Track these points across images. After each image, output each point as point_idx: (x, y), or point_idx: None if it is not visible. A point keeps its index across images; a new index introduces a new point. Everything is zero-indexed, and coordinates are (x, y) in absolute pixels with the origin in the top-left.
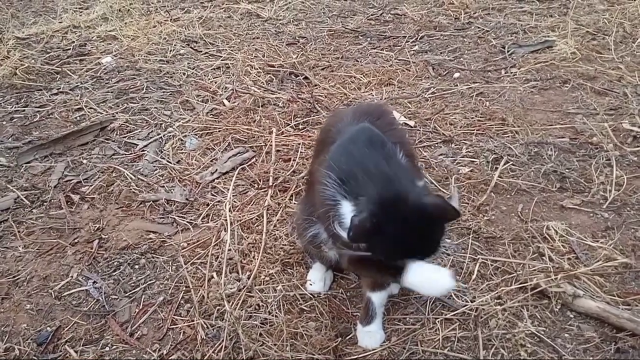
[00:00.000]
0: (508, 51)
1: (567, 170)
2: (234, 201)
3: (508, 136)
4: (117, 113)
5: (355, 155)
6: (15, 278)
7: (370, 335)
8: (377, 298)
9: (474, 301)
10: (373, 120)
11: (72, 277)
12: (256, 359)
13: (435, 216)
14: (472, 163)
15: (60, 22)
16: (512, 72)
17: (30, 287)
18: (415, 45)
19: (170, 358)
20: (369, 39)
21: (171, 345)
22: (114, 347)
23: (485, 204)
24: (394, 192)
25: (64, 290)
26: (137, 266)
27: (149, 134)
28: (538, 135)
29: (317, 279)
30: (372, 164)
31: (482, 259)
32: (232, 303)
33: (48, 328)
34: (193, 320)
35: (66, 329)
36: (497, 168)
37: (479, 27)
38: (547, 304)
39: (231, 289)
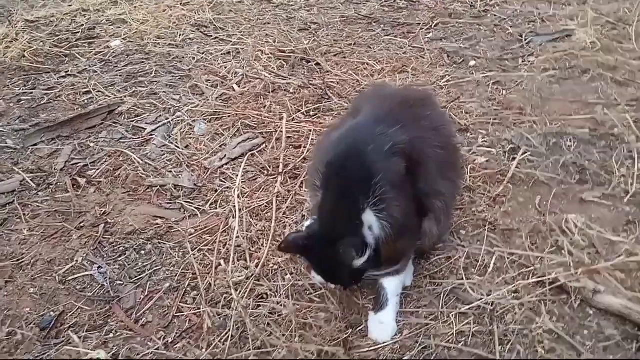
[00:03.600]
0: (526, 40)
1: (587, 162)
2: (243, 188)
3: (526, 126)
4: (125, 97)
5: None
6: (20, 261)
7: (381, 328)
8: (389, 284)
9: (490, 295)
10: (407, 107)
11: (77, 261)
12: (263, 350)
13: None
14: (488, 153)
15: (69, 6)
16: (529, 61)
17: (34, 271)
18: (429, 32)
19: (175, 346)
20: (382, 26)
21: (176, 333)
22: (118, 333)
23: (501, 195)
24: None
25: (68, 275)
26: (143, 252)
27: (157, 118)
28: (557, 125)
29: None
30: None
31: (498, 251)
32: (240, 291)
33: (51, 313)
34: (199, 308)
35: (70, 314)
36: (514, 158)
37: (495, 15)
38: (566, 300)
39: (239, 277)
